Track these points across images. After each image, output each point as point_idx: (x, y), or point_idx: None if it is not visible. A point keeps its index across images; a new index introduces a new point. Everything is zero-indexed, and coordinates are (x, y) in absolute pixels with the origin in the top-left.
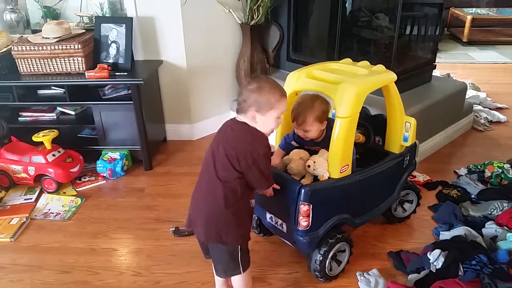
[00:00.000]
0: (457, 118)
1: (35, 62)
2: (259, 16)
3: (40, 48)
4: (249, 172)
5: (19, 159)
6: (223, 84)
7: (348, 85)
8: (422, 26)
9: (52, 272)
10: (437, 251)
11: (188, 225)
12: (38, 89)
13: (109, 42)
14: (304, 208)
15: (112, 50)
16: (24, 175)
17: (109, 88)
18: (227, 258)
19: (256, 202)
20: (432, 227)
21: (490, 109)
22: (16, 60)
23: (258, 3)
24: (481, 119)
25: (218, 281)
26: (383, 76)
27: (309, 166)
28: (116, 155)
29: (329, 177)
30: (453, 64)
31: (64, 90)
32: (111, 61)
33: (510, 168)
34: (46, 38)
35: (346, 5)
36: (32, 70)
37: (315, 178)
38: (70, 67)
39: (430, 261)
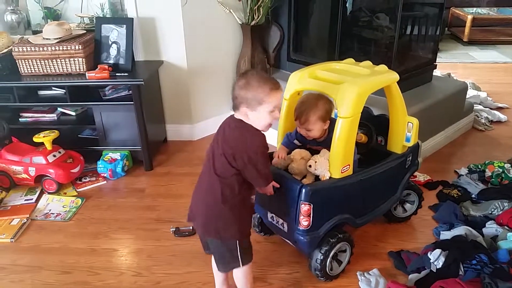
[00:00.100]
0: (458, 117)
1: (36, 63)
2: (260, 17)
3: (41, 49)
4: (246, 170)
5: (20, 159)
6: (224, 85)
7: (350, 85)
8: (422, 26)
9: (52, 273)
10: (437, 251)
11: (188, 219)
12: (38, 90)
13: (110, 42)
14: (305, 207)
15: (113, 51)
16: (24, 175)
17: (110, 88)
18: (226, 253)
19: (257, 202)
20: (432, 227)
21: (490, 108)
22: (17, 61)
23: (259, 3)
24: (482, 118)
25: (218, 280)
26: (385, 76)
27: (310, 166)
28: (116, 155)
29: (330, 177)
30: (454, 64)
31: (64, 90)
32: (111, 61)
33: (510, 168)
34: (47, 39)
35: (347, 5)
36: (33, 71)
37: (317, 178)
38: (71, 68)
39: (431, 261)
